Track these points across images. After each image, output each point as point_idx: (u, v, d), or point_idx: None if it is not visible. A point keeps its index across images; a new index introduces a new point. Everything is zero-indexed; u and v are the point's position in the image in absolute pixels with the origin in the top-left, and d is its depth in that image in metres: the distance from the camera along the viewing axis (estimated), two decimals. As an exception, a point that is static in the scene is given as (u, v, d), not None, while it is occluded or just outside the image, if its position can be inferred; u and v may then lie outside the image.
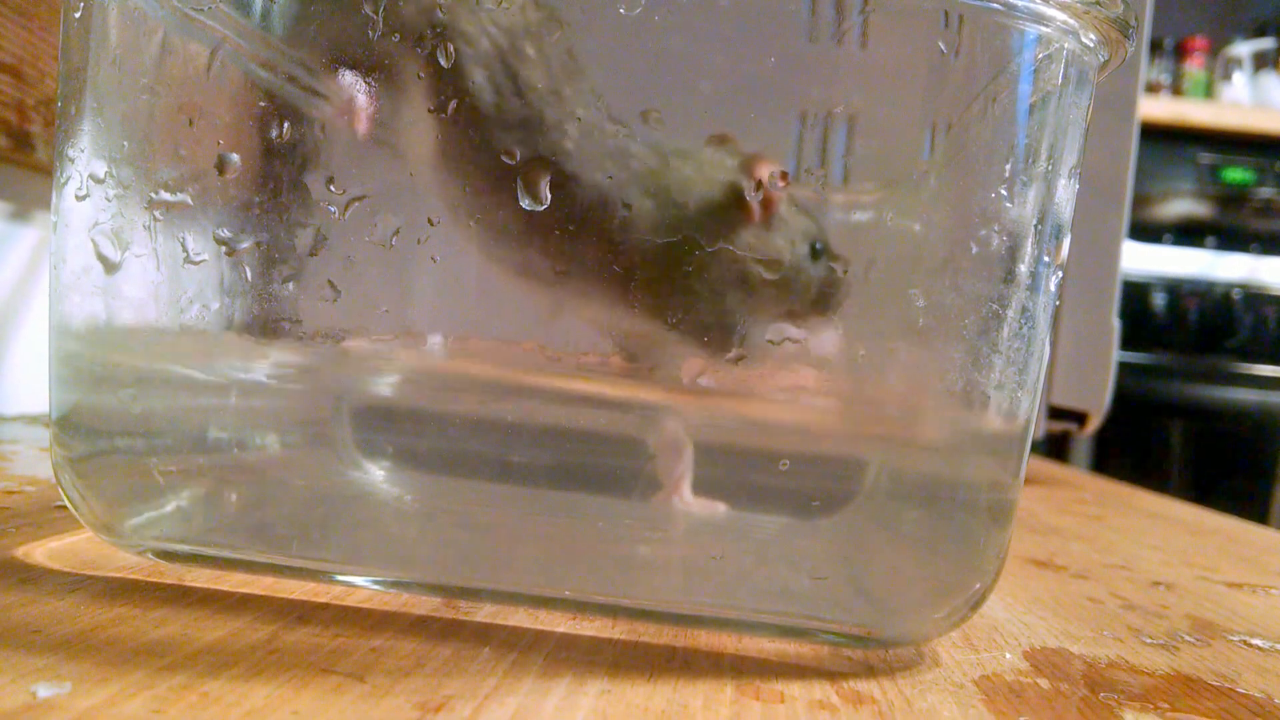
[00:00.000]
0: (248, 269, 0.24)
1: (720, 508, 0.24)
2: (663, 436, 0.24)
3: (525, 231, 0.23)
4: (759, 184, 0.23)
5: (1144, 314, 1.86)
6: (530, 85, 0.24)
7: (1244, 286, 1.89)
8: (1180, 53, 2.05)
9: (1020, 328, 0.24)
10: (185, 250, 0.24)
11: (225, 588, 0.24)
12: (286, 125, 0.24)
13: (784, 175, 0.23)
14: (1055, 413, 0.73)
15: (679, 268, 0.23)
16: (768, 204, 0.24)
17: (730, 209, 0.24)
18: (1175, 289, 1.88)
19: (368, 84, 0.24)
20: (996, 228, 0.24)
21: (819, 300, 0.24)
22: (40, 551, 0.26)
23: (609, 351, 0.24)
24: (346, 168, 0.24)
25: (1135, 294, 1.84)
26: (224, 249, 0.24)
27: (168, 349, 0.25)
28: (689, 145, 0.24)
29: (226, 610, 0.23)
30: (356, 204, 0.23)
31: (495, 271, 0.24)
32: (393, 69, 0.23)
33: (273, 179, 0.24)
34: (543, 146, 0.24)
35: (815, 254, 0.24)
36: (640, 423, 0.24)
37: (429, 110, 0.24)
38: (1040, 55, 0.24)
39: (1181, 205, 1.92)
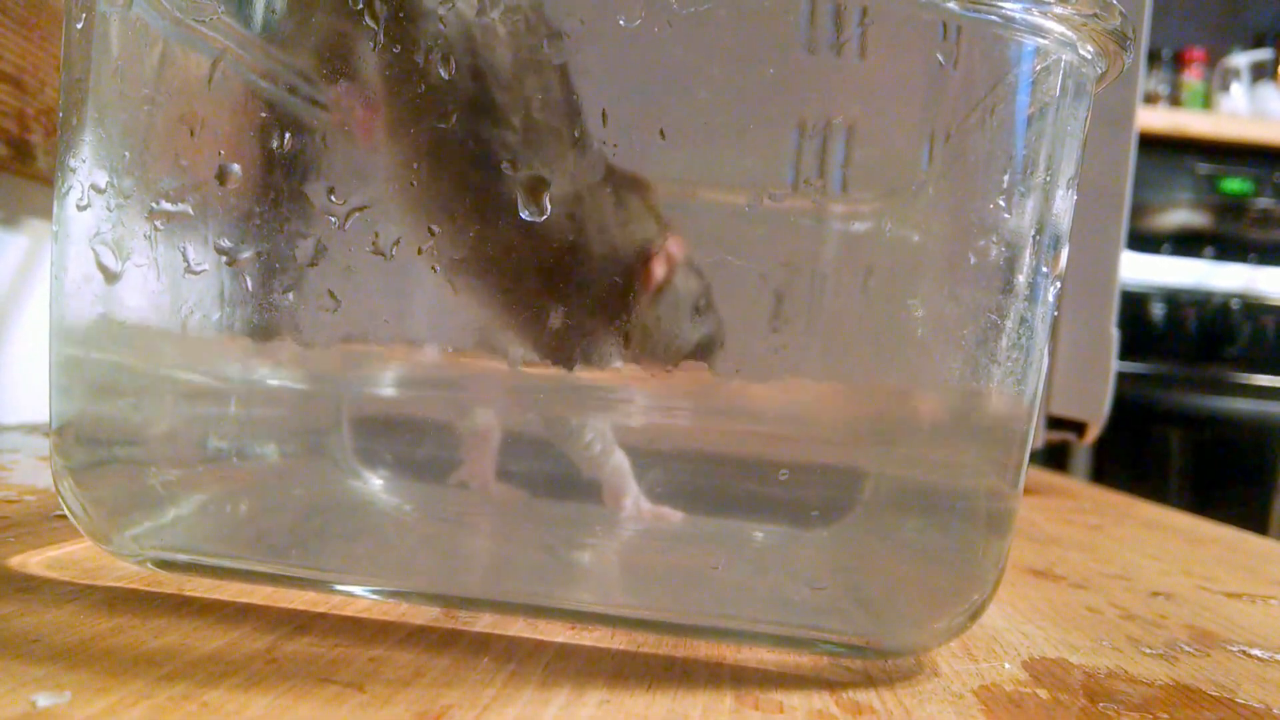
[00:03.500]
0: (248, 279, 0.24)
1: (675, 515, 0.24)
2: (601, 457, 0.24)
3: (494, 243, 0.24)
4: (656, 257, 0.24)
5: (1142, 324, 1.86)
6: (531, 98, 0.24)
7: (1242, 296, 1.89)
8: (1178, 63, 2.06)
9: (1019, 338, 0.24)
10: (186, 260, 0.24)
11: (224, 597, 0.24)
12: (287, 135, 0.24)
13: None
14: (1054, 422, 0.73)
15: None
16: (657, 280, 0.24)
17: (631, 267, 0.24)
18: (1174, 299, 1.88)
19: (368, 95, 0.24)
20: (995, 238, 0.24)
21: (697, 348, 0.25)
22: (40, 560, 0.26)
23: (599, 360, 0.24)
24: (347, 178, 0.24)
25: (1134, 304, 1.84)
26: (225, 259, 0.24)
27: (168, 358, 0.26)
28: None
29: (225, 620, 0.23)
30: (357, 214, 0.23)
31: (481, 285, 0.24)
32: (394, 80, 0.23)
33: (273, 189, 0.24)
34: (539, 159, 0.24)
35: (697, 310, 0.25)
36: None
37: (431, 121, 0.24)
38: (1038, 67, 0.24)
39: (1180, 215, 1.92)
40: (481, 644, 0.23)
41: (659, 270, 0.24)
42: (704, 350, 0.25)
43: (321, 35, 0.24)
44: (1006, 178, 0.24)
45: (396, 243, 0.23)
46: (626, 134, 0.23)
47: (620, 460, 0.24)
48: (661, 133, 0.23)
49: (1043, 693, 0.24)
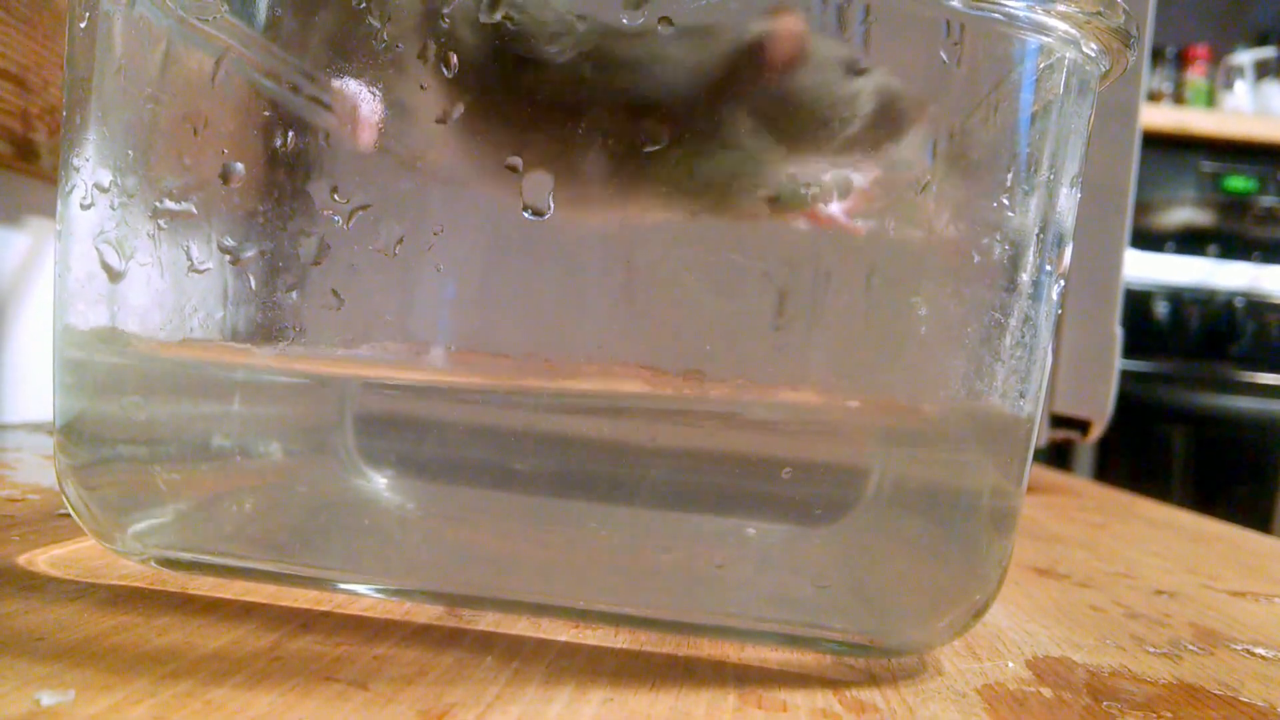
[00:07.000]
0: (252, 278, 0.24)
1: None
2: None
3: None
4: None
5: (1146, 322, 1.86)
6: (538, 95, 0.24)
7: (1246, 294, 1.89)
8: (1182, 61, 2.06)
9: (1022, 336, 0.24)
10: (190, 259, 0.24)
11: (228, 596, 0.24)
12: (291, 134, 0.24)
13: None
14: (1058, 421, 0.73)
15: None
16: (791, 41, 0.22)
17: (751, 62, 0.22)
18: (1177, 297, 1.88)
19: (372, 93, 0.24)
20: (999, 236, 0.24)
21: (880, 121, 0.22)
22: (43, 559, 0.26)
23: (612, 359, 0.24)
24: (350, 176, 0.24)
25: (1137, 302, 1.84)
26: (228, 258, 0.24)
27: (172, 357, 0.26)
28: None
29: (229, 618, 0.23)
30: (360, 213, 0.24)
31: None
32: (397, 78, 0.23)
33: (277, 188, 0.24)
34: (550, 150, 0.24)
35: (858, 73, 0.22)
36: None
37: (434, 119, 0.24)
38: (1042, 65, 0.24)
39: (1183, 213, 1.92)
40: (485, 642, 0.23)
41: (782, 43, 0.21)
42: (889, 120, 0.22)
43: (325, 33, 0.24)
44: (1010, 176, 0.24)
45: (400, 241, 0.23)
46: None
47: None
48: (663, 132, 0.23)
49: (1046, 691, 0.24)
